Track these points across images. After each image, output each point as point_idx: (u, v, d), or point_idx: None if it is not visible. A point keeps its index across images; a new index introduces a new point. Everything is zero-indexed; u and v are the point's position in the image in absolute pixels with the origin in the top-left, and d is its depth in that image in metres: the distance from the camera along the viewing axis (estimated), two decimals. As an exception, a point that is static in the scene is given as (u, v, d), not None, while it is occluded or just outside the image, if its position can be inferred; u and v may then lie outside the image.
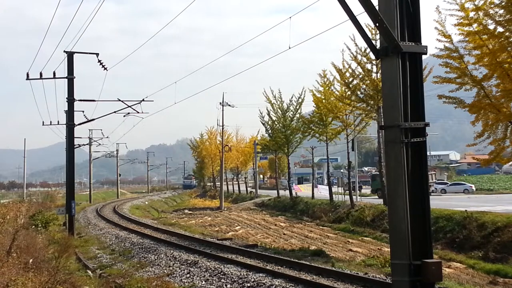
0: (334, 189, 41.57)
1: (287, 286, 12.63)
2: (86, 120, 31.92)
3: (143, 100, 31.10)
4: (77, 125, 28.91)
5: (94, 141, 61.82)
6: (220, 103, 50.41)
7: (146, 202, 63.29)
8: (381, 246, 23.03)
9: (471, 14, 16.20)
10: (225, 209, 49.42)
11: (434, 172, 61.61)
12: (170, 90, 30.80)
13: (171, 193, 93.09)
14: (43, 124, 38.99)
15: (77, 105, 28.06)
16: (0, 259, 11.61)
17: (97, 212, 43.81)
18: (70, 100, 27.13)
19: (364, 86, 30.02)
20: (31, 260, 12.47)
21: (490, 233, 20.29)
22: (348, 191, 35.16)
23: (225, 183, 67.48)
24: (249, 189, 68.95)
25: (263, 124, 49.70)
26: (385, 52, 6.55)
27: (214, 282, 13.84)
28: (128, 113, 31.69)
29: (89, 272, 15.14)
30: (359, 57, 29.23)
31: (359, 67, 29.66)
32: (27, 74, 27.37)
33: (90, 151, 66.42)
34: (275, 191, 52.97)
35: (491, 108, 16.67)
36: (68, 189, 28.14)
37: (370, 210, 30.45)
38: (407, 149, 6.42)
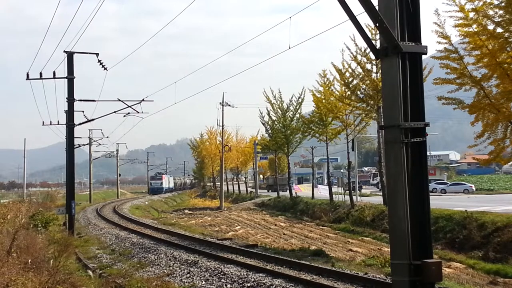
0: (334, 189, 41.57)
1: (287, 286, 12.64)
2: (86, 120, 31.94)
3: (143, 100, 31.13)
4: (77, 125, 28.93)
5: (94, 141, 61.89)
6: (220, 103, 50.46)
7: (146, 202, 63.28)
8: (381, 246, 23.02)
9: (471, 15, 16.20)
10: (225, 209, 49.42)
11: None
12: (170, 90, 30.80)
13: (170, 193, 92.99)
14: (43, 124, 39.03)
15: (77, 105, 28.09)
16: (0, 259, 11.61)
17: (97, 212, 43.82)
18: (70, 100, 27.14)
19: (364, 86, 29.99)
20: (29, 260, 12.48)
21: (490, 233, 20.28)
22: (348, 191, 35.18)
23: (225, 183, 67.46)
24: (249, 189, 68.95)
25: (263, 124, 49.75)
26: (385, 52, 6.55)
27: (214, 282, 13.85)
28: (128, 113, 31.73)
29: (89, 272, 15.14)
30: (359, 57, 29.21)
31: (359, 67, 29.64)
32: (27, 74, 27.38)
33: (90, 151, 66.46)
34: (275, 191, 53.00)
35: (490, 108, 16.67)
36: (68, 189, 28.14)
37: (370, 210, 30.45)
38: (407, 149, 6.42)
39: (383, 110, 7.19)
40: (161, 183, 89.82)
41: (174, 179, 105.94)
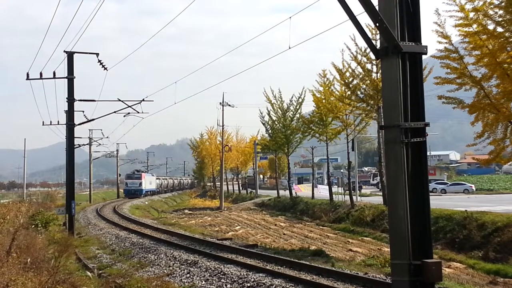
0: (334, 189, 41.57)
1: (287, 286, 12.63)
2: (86, 120, 31.98)
3: (143, 100, 31.13)
4: (77, 125, 28.92)
5: (94, 141, 61.95)
6: (220, 103, 50.44)
7: (146, 202, 63.24)
8: (381, 246, 23.01)
9: (471, 14, 16.19)
10: (225, 209, 49.41)
11: None
12: (170, 90, 30.76)
13: (171, 193, 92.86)
14: (43, 124, 39.06)
15: (77, 105, 28.07)
16: (0, 259, 11.61)
17: (97, 212, 43.81)
18: (70, 100, 27.13)
19: (364, 86, 29.97)
20: (29, 260, 12.47)
21: (490, 233, 20.26)
22: (348, 191, 35.17)
23: (225, 183, 67.44)
24: (249, 189, 68.98)
25: (263, 124, 49.77)
26: (385, 52, 6.56)
27: (214, 282, 13.85)
28: (128, 113, 31.74)
29: (88, 272, 15.13)
30: (359, 57, 29.18)
31: (359, 67, 29.61)
32: (27, 74, 27.38)
33: (90, 151, 66.42)
34: (275, 191, 52.99)
35: (490, 108, 16.65)
36: (68, 189, 28.13)
37: (370, 210, 30.43)
38: (407, 149, 6.43)
39: (383, 110, 7.19)
40: (140, 184, 70.64)
41: (157, 178, 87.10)
